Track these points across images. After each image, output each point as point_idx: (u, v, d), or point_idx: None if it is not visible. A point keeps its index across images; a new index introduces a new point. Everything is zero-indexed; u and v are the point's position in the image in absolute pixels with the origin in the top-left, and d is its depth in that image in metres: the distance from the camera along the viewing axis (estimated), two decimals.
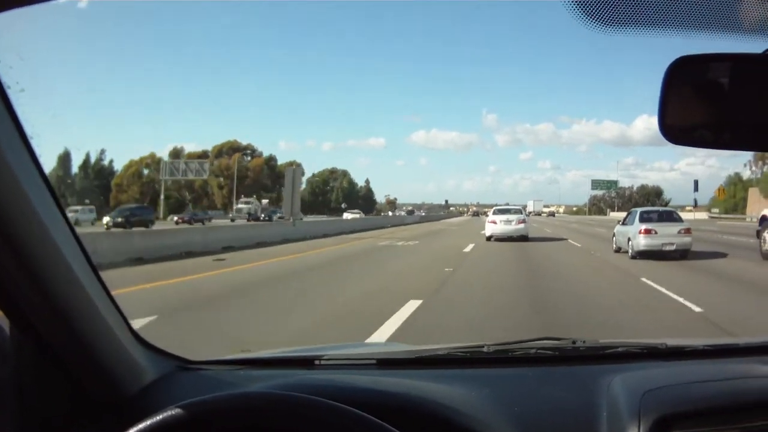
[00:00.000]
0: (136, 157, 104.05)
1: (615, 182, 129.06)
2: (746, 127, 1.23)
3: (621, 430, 1.59)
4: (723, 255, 19.85)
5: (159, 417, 1.24)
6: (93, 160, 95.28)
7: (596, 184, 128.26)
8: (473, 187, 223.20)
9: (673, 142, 1.27)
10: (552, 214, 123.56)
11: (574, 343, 2.19)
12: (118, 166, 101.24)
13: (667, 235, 18.83)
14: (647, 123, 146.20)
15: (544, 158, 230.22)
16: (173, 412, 1.24)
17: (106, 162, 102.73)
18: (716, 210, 76.28)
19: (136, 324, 1.87)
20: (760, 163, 75.62)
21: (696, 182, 55.77)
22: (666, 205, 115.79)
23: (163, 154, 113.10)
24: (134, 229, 35.71)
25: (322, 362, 2.08)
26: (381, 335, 7.63)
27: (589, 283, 13.71)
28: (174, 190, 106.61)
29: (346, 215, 70.89)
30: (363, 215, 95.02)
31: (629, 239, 19.49)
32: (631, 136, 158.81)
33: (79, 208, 55.03)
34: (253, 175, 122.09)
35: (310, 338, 7.52)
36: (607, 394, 1.74)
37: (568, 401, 1.78)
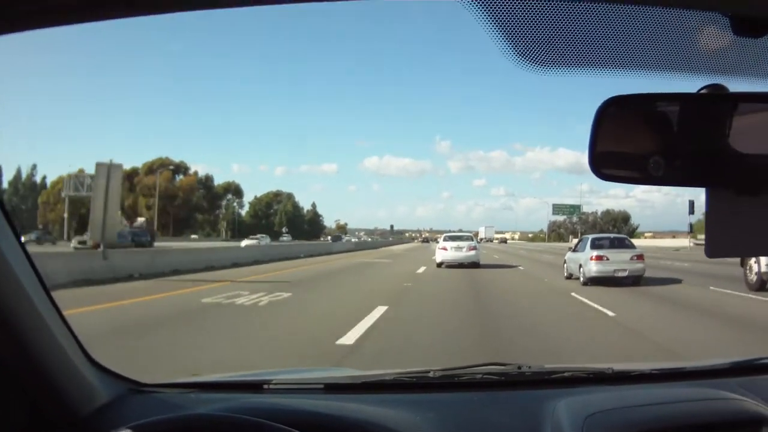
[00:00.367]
0: (65, 174, 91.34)
1: (578, 207, 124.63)
2: (675, 165, 1.26)
3: None
4: (677, 281, 20.20)
5: None
6: (24, 176, 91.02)
7: (558, 209, 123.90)
8: (426, 213, 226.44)
9: (604, 179, 1.29)
10: (504, 240, 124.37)
11: (519, 368, 2.21)
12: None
13: (619, 261, 19.05)
14: None
15: (497, 185, 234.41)
16: None
17: (38, 178, 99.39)
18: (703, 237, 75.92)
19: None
20: None
21: (692, 203, 51.93)
22: (635, 230, 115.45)
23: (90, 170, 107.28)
24: None
25: (271, 386, 2.09)
26: None
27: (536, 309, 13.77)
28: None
29: (246, 242, 62.66)
30: (289, 239, 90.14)
31: (581, 266, 19.68)
32: (585, 163, 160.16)
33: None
34: (183, 195, 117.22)
35: None
36: (552, 418, 1.76)
37: (513, 426, 1.80)
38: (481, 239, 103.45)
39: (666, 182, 1.27)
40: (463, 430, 1.76)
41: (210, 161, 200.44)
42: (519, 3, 1.12)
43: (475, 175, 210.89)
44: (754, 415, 1.77)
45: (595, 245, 19.85)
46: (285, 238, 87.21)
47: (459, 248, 27.84)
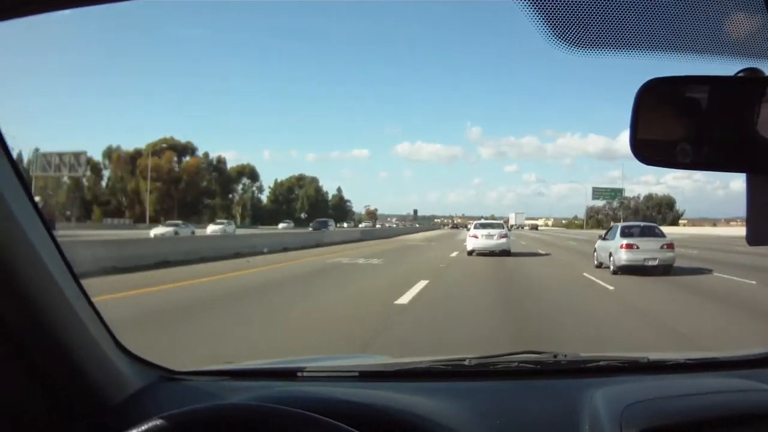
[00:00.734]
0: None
1: (620, 191, 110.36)
2: (717, 148, 1.24)
3: None
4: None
5: (138, 429, 1.25)
6: (26, 160, 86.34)
7: (598, 192, 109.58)
8: (458, 199, 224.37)
9: (644, 163, 1.27)
10: (535, 227, 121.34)
11: (555, 356, 2.20)
12: None
13: (649, 250, 18.85)
14: None
15: (529, 171, 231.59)
16: (153, 424, 1.25)
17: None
18: None
19: None
20: None
21: None
22: (679, 216, 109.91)
23: (95, 152, 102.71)
24: None
25: (305, 374, 2.09)
26: None
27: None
28: (107, 194, 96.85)
29: (212, 227, 55.16)
30: (287, 225, 79.21)
31: (610, 254, 19.47)
32: (616, 149, 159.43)
33: None
34: (187, 178, 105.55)
35: None
36: (589, 407, 1.75)
37: (550, 415, 1.79)
38: (512, 226, 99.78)
39: (706, 167, 1.26)
40: (499, 419, 1.74)
41: (240, 148, 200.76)
42: None
43: (506, 161, 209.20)
44: None
45: (624, 233, 19.65)
46: (283, 225, 77.96)
47: (490, 236, 27.62)
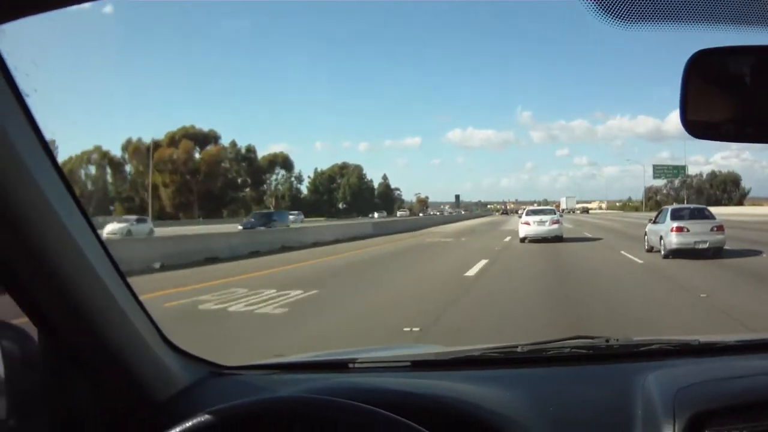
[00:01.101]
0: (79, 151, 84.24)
1: (682, 168, 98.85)
2: None
3: (656, 428, 1.58)
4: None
5: (189, 423, 1.24)
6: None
7: (659, 171, 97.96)
8: (511, 184, 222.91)
9: (695, 137, 1.26)
10: (585, 210, 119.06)
11: (607, 341, 2.18)
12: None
13: (699, 232, 18.51)
14: None
15: (580, 154, 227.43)
16: (204, 418, 1.25)
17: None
18: None
19: None
20: None
21: None
22: (746, 195, 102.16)
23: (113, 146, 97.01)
24: None
25: (356, 365, 2.08)
26: None
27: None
28: (128, 190, 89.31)
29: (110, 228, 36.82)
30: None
31: (661, 237, 19.19)
32: (665, 130, 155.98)
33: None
34: (206, 168, 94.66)
35: None
36: (641, 392, 1.73)
37: (603, 400, 1.77)
38: (563, 210, 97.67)
39: (763, 139, 1.23)
40: (552, 405, 1.73)
41: (291, 140, 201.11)
42: None
43: (557, 144, 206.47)
44: None
45: (675, 216, 19.32)
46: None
47: (542, 222, 27.28)
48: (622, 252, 20.86)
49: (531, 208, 31.33)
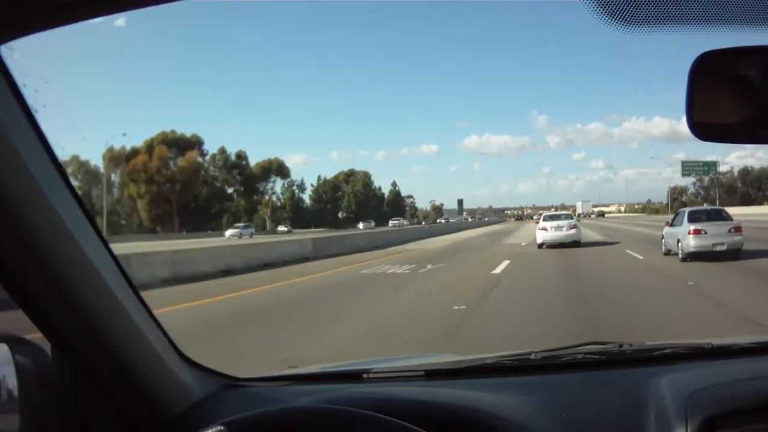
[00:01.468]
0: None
1: (713, 164, 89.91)
2: None
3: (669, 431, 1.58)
4: None
5: None
6: None
7: (689, 167, 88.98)
8: (528, 190, 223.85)
9: (702, 140, 1.25)
10: (601, 214, 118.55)
11: (620, 346, 2.18)
12: None
13: (717, 234, 18.38)
14: None
15: (596, 157, 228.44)
16: (217, 429, 1.25)
17: None
18: None
19: None
20: None
21: None
22: None
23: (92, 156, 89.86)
24: None
25: (371, 375, 2.08)
26: None
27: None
28: (111, 203, 79.28)
29: None
30: (285, 229, 61.41)
31: (678, 240, 19.06)
32: (680, 131, 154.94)
33: None
34: (184, 178, 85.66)
35: None
36: (655, 396, 1.73)
37: (616, 405, 1.77)
38: (579, 214, 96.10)
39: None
40: (567, 411, 1.73)
41: (309, 150, 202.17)
42: None
43: (573, 148, 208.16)
44: None
45: (692, 218, 19.18)
46: (282, 229, 63.71)
47: (559, 228, 27.22)
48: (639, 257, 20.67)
49: (548, 213, 31.19)
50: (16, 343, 1.52)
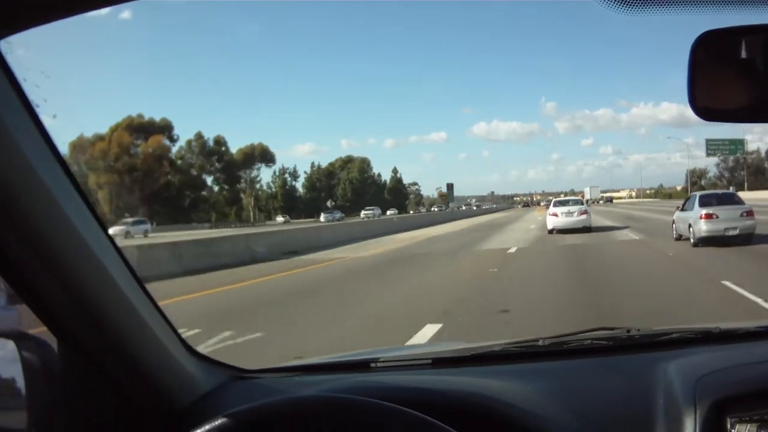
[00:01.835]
0: None
1: (740, 142, 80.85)
2: None
3: (677, 417, 1.58)
4: None
5: (209, 426, 1.24)
6: None
7: (714, 146, 79.59)
8: (537, 176, 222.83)
9: (705, 119, 1.24)
10: (609, 200, 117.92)
11: (628, 332, 2.18)
12: None
13: (729, 219, 18.22)
14: None
15: (605, 143, 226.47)
16: (224, 420, 1.24)
17: None
18: None
19: None
20: None
21: None
22: None
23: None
24: None
25: (378, 365, 2.08)
26: None
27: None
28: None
29: None
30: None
31: (690, 225, 18.94)
32: (689, 116, 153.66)
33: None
34: (144, 165, 76.64)
35: None
36: (663, 381, 1.73)
37: (625, 390, 1.76)
38: (587, 200, 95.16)
39: None
40: (575, 397, 1.73)
41: (318, 140, 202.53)
42: None
43: (582, 134, 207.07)
44: None
45: (703, 203, 19.01)
46: (280, 219, 58.04)
47: (569, 213, 27.25)
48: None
49: (557, 199, 31.13)
50: (22, 339, 1.53)
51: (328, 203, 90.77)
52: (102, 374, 1.57)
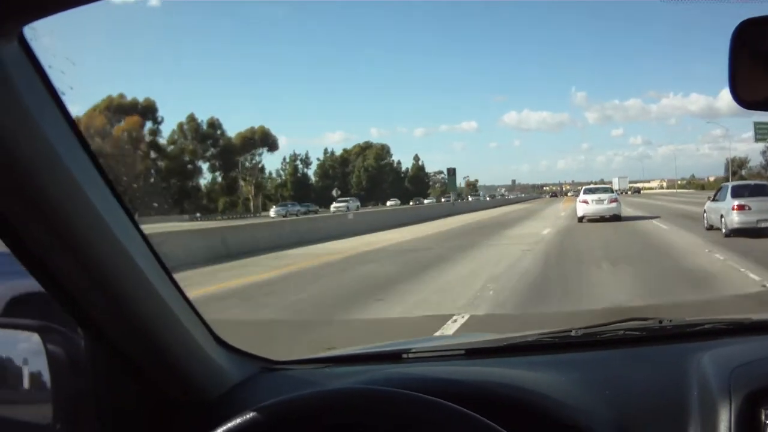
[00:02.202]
0: None
1: None
2: None
3: (712, 408, 1.55)
4: None
5: (240, 419, 1.23)
6: None
7: (763, 130, 64.93)
8: (567, 166, 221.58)
9: (747, 108, 1.21)
10: (637, 191, 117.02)
11: (660, 322, 2.15)
12: None
13: (761, 210, 17.94)
14: None
15: (635, 134, 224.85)
16: (255, 413, 1.23)
17: None
18: None
19: None
20: None
21: None
22: None
23: None
24: None
25: (409, 356, 2.07)
26: None
27: None
28: None
29: None
30: None
31: (722, 216, 18.75)
32: (718, 107, 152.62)
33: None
34: (117, 150, 67.49)
35: None
36: (696, 372, 1.70)
37: (658, 381, 1.73)
38: (616, 190, 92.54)
39: None
40: (608, 388, 1.71)
41: (348, 128, 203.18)
42: None
43: (612, 125, 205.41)
44: None
45: (735, 193, 18.78)
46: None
47: (600, 201, 27.16)
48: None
49: (588, 186, 31.11)
50: (47, 332, 1.53)
51: (334, 192, 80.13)
52: (129, 366, 1.56)
